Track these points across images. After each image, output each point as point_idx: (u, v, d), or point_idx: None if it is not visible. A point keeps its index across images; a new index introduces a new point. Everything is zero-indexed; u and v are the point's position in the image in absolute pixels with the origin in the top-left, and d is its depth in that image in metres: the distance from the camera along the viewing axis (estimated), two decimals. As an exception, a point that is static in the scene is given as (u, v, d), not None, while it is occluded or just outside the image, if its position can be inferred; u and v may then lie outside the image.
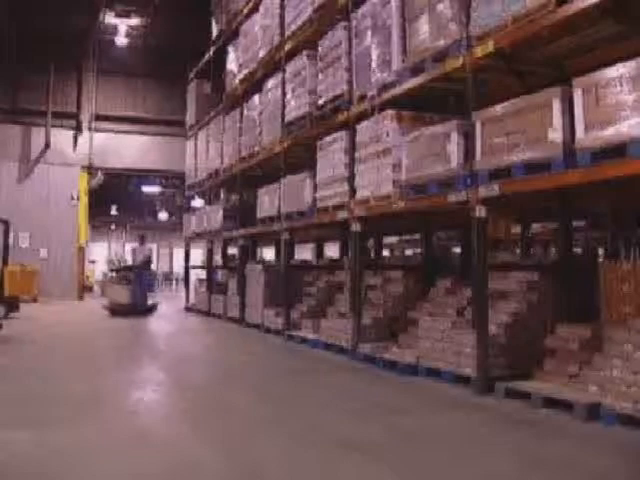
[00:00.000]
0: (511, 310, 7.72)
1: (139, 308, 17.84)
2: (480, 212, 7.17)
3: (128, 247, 38.56)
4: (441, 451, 5.17)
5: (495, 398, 6.87)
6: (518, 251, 14.81)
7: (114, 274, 20.64)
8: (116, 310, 17.56)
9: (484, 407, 6.64)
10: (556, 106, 6.27)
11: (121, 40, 24.77)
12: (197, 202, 22.82)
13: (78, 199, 25.03)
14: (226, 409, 6.65)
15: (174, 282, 42.67)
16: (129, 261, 24.80)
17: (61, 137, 25.09)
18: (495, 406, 6.64)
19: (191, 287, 21.33)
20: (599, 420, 5.82)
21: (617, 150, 5.64)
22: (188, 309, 20.33)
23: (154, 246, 40.91)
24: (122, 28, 24.29)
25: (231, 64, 17.11)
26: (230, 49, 17.17)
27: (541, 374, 6.97)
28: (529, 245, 15.22)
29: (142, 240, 20.55)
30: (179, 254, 23.73)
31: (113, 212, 38.70)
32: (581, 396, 6.16)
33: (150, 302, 18.90)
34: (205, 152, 19.06)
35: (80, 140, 25.43)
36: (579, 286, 7.69)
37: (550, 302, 7.81)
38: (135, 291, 17.89)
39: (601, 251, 12.47)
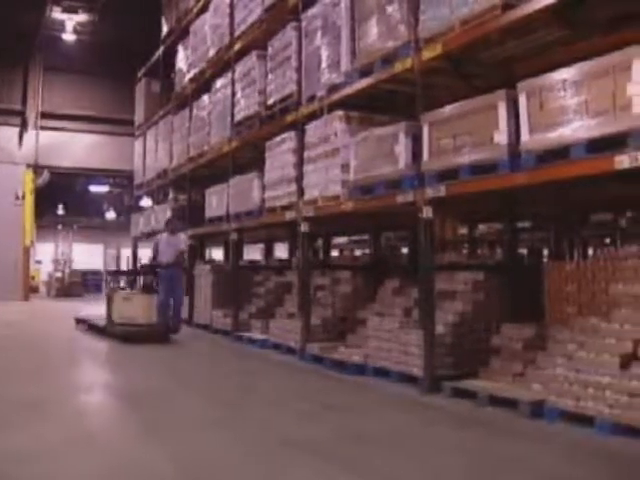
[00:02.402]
0: (457, 310, 7.81)
1: (172, 330, 12.20)
2: (427, 213, 7.23)
3: (78, 247, 37.96)
4: (389, 450, 5.18)
5: (442, 397, 6.94)
6: (465, 251, 14.98)
7: (119, 280, 15.17)
8: (131, 335, 11.73)
9: (431, 406, 6.70)
10: (502, 109, 6.37)
11: (68, 36, 24.29)
12: (145, 202, 22.57)
13: (23, 198, 24.51)
14: (172, 411, 6.58)
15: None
16: (142, 259, 20.52)
17: (6, 135, 24.55)
18: (442, 405, 6.70)
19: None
20: (543, 417, 5.92)
21: (561, 152, 5.75)
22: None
23: (101, 247, 40.39)
24: (69, 24, 23.78)
25: (181, 63, 16.97)
26: (180, 48, 17.02)
27: (487, 373, 7.06)
28: (476, 246, 15.43)
29: (171, 226, 12.90)
30: (127, 254, 23.36)
31: (60, 212, 38.03)
32: (525, 394, 6.26)
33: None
34: (154, 151, 18.88)
35: (26, 138, 24.92)
36: (524, 286, 7.81)
37: (496, 302, 7.93)
38: (165, 304, 12.06)
39: (546, 252, 12.71)
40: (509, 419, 6.04)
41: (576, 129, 5.63)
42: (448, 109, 7.13)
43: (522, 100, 6.16)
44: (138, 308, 12.14)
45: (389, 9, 8.09)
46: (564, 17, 6.49)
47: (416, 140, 7.51)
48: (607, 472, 4.67)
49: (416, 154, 7.50)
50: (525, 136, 6.11)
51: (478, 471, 4.74)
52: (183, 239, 12.93)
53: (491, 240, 16.50)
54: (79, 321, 14.81)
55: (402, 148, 7.64)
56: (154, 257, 12.58)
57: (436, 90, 8.16)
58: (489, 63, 7.78)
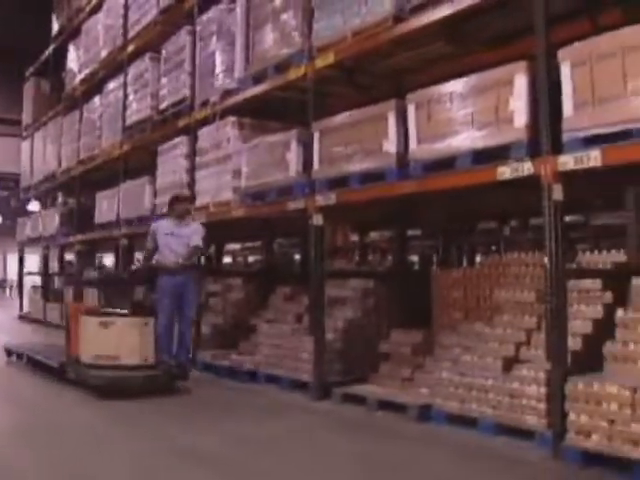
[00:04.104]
0: (347, 316, 7.89)
1: (179, 374, 7.80)
2: (317, 220, 7.29)
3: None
4: (278, 457, 5.19)
5: (332, 403, 7.00)
6: (356, 258, 15.16)
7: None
8: (113, 384, 7.35)
9: (321, 412, 6.75)
10: (391, 119, 6.50)
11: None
12: (33, 205, 21.81)
13: None
14: (59, 425, 6.35)
15: (8, 289, 40.54)
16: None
17: None
18: (332, 411, 6.76)
19: (25, 295, 20.26)
20: (430, 420, 6.07)
21: (447, 163, 5.92)
22: (22, 317, 19.30)
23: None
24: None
25: (72, 63, 16.48)
26: (71, 47, 16.53)
27: (376, 378, 7.17)
28: (367, 253, 15.64)
29: (179, 208, 8.30)
30: (14, 260, 22.40)
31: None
32: (413, 398, 6.39)
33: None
34: (42, 153, 18.29)
35: None
36: (413, 292, 7.96)
37: (385, 308, 8.05)
38: (168, 332, 7.89)
39: (436, 259, 13.01)
40: (397, 423, 6.15)
41: (462, 140, 5.82)
42: (339, 118, 7.22)
43: (411, 111, 6.31)
44: (124, 340, 7.60)
45: (284, 17, 8.13)
46: (451, 32, 6.71)
47: (308, 147, 7.57)
48: (489, 471, 4.83)
49: (307, 161, 7.56)
50: (413, 146, 6.26)
51: (363, 474, 4.82)
52: (198, 228, 8.23)
53: (382, 247, 16.76)
54: (10, 353, 10.20)
55: (293, 155, 7.69)
56: (149, 256, 8.31)
57: (330, 98, 8.26)
58: (381, 73, 7.95)
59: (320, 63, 7.43)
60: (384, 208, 8.44)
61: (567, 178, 5.03)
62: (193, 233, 8.09)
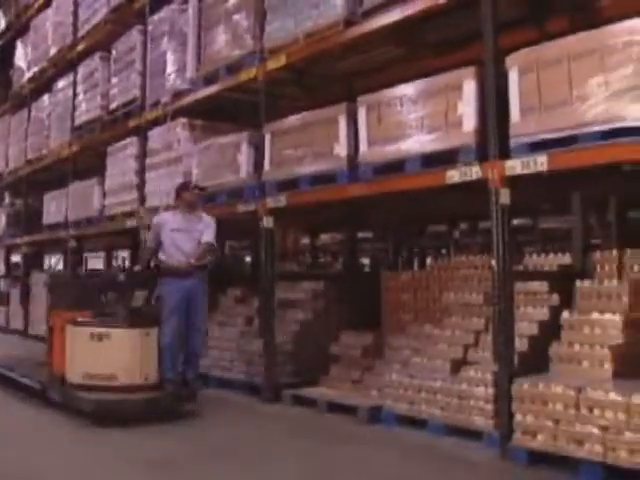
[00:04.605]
0: (298, 319, 7.89)
1: (187, 395, 6.71)
2: (267, 222, 7.28)
3: None
4: (222, 459, 5.17)
5: (283, 405, 6.99)
6: (307, 261, 15.15)
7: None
8: (109, 409, 6.24)
9: (272, 414, 6.74)
10: (342, 122, 6.52)
11: None
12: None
13: None
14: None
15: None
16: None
17: None
18: (282, 413, 6.76)
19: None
20: (380, 422, 6.09)
21: (397, 166, 5.96)
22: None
23: None
24: None
25: (20, 60, 16.13)
26: (19, 44, 16.18)
27: (327, 380, 7.18)
28: (317, 255, 15.64)
29: (188, 197, 7.02)
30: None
31: None
32: (364, 400, 6.41)
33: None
34: (-12, 153, 17.87)
35: None
36: (364, 295, 8.00)
37: (335, 311, 8.06)
38: (174, 345, 6.68)
39: (386, 261, 13.07)
40: (347, 425, 6.16)
41: (412, 144, 5.86)
42: (291, 120, 7.22)
43: (362, 114, 6.34)
44: (121, 356, 6.37)
45: (236, 17, 8.09)
46: (402, 37, 6.78)
47: (259, 149, 7.55)
48: (436, 471, 4.87)
49: (259, 163, 7.54)
50: (364, 149, 6.29)
51: (312, 475, 4.84)
52: (211, 222, 6.97)
53: (333, 250, 16.79)
54: None
55: (244, 157, 7.67)
56: (149, 256, 7.15)
57: (282, 100, 8.26)
58: (332, 76, 7.99)
59: (272, 65, 7.42)
60: (335, 210, 8.46)
61: (515, 182, 5.11)
62: (205, 228, 6.89)
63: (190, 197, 6.95)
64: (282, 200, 7.10)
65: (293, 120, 7.19)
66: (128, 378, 6.29)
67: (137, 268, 7.57)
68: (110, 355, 6.32)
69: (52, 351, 7.08)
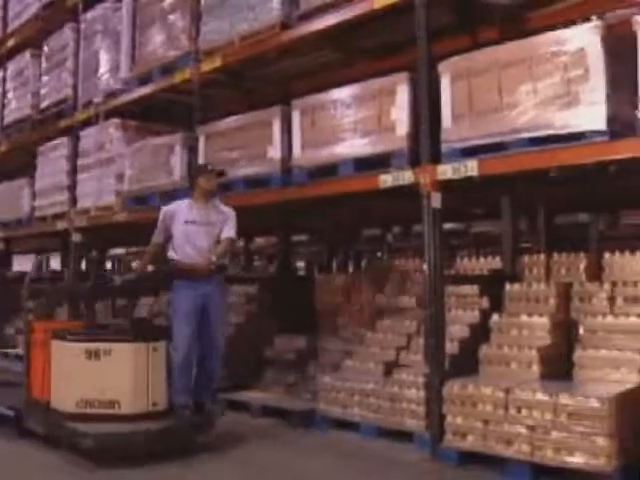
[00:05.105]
0: (231, 322, 7.82)
1: (204, 423, 5.44)
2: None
3: None
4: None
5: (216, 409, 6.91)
6: (241, 264, 15.04)
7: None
8: (109, 444, 4.99)
9: (204, 419, 6.66)
10: (276, 125, 6.53)
11: None
12: None
13: None
14: None
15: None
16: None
17: None
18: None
19: None
20: (314, 426, 6.09)
21: (331, 170, 5.99)
22: None
23: None
24: None
25: (-56, 56, 15.67)
26: (-56, 38, 15.72)
27: (262, 384, 7.16)
28: (252, 258, 15.56)
29: (204, 183, 5.71)
30: None
31: None
32: (298, 404, 6.42)
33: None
34: None
35: None
36: (298, 298, 7.99)
37: (270, 314, 8.02)
38: (189, 363, 5.46)
39: (321, 264, 13.10)
40: (281, 429, 6.15)
41: (345, 148, 5.91)
42: (225, 122, 7.20)
43: (296, 117, 6.36)
44: (124, 378, 5.24)
45: (171, 18, 8.02)
46: (337, 41, 6.81)
47: (193, 151, 7.49)
48: (367, 472, 4.91)
49: (192, 166, 7.46)
50: (297, 152, 6.30)
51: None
52: (231, 214, 5.82)
53: (268, 253, 16.72)
54: None
55: (178, 159, 7.62)
56: (157, 253, 6.01)
57: (217, 102, 8.19)
58: (268, 79, 7.97)
59: (207, 67, 7.37)
60: (269, 214, 8.44)
61: (446, 187, 5.18)
62: (225, 221, 5.74)
63: (207, 184, 5.70)
64: (216, 203, 7.03)
65: (228, 122, 7.17)
66: (132, 405, 5.18)
67: (150, 269, 6.06)
68: (110, 376, 5.17)
69: (30, 371, 5.78)
